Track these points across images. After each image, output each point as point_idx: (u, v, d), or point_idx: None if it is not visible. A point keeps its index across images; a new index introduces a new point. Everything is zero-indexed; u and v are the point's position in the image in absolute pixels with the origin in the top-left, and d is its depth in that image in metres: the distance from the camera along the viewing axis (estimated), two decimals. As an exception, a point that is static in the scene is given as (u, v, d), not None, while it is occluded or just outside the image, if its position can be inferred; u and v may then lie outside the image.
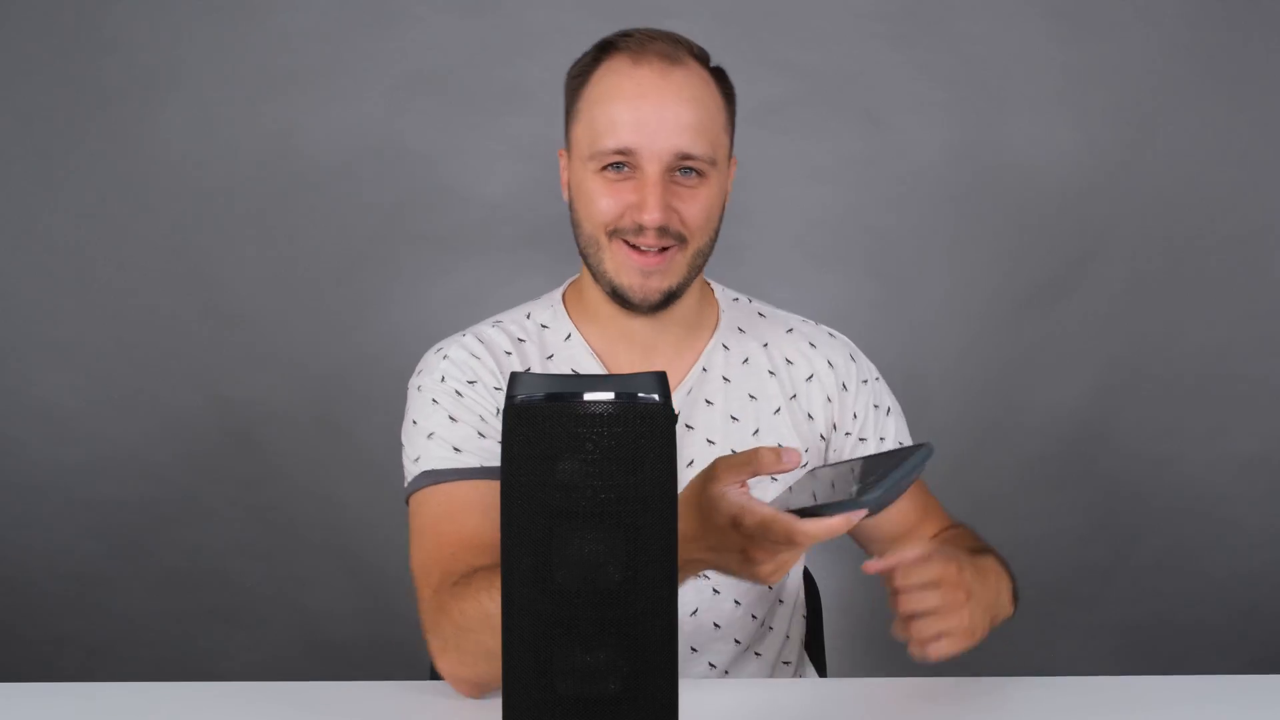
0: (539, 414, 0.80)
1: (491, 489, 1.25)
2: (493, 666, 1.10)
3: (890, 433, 1.45)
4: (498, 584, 1.07)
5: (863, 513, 0.90)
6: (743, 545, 0.94)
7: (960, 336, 2.59)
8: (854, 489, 0.91)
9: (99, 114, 2.50)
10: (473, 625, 1.11)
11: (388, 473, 2.57)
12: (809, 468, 1.36)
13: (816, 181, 2.54)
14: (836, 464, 1.04)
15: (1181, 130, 2.54)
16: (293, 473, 2.55)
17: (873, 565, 1.10)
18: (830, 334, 1.47)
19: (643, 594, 0.81)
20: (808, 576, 1.57)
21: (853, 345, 1.47)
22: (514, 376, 0.82)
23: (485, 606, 1.09)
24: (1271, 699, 1.21)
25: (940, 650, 1.11)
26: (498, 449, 1.26)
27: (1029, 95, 2.53)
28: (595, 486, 0.79)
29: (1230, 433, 2.59)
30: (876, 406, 1.45)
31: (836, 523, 0.90)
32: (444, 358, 1.36)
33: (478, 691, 1.17)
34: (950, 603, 1.10)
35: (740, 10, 2.51)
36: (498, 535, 1.21)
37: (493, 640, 1.07)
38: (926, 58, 2.52)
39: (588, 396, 0.80)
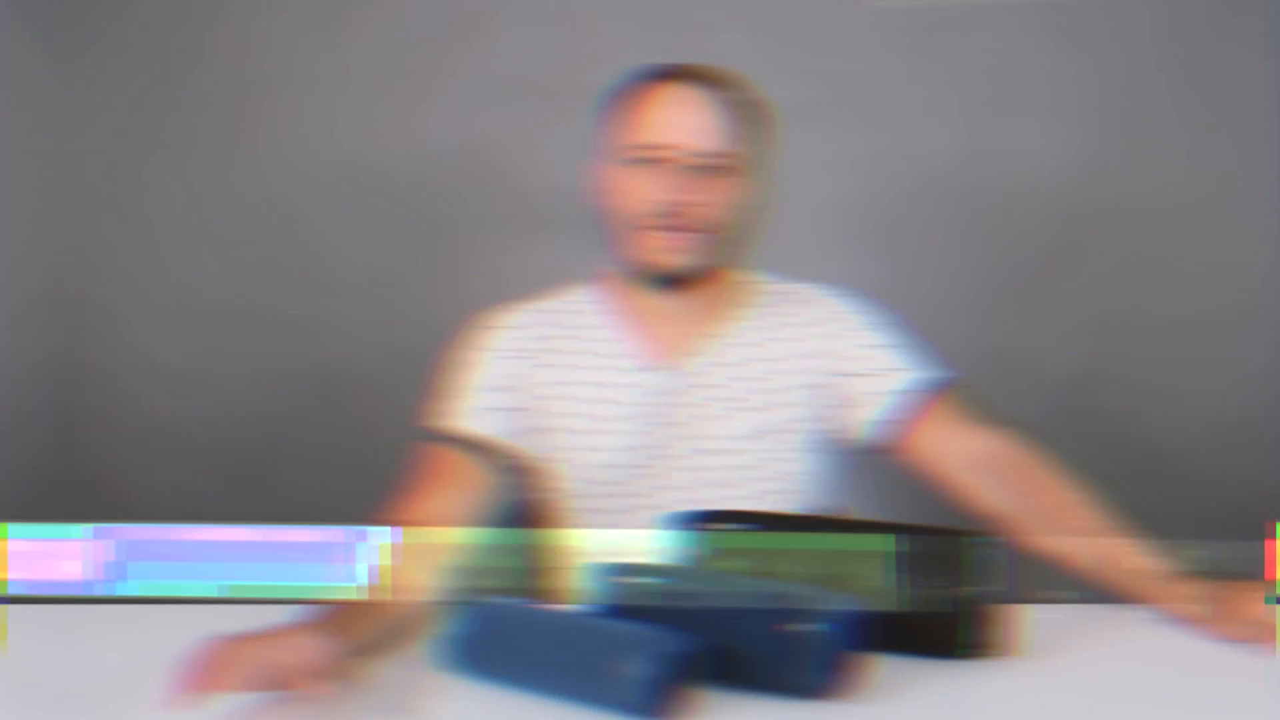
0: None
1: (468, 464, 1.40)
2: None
3: (899, 362, 1.45)
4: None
5: None
6: None
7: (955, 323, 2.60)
8: None
9: (219, 107, 2.73)
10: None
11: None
12: None
13: (822, 179, 2.60)
14: None
15: (1167, 131, 2.61)
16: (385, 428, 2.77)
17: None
18: (839, 294, 1.50)
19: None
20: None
21: (858, 301, 1.50)
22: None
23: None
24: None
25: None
26: (506, 422, 1.42)
27: (1029, 95, 2.60)
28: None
29: (1198, 394, 2.71)
30: (875, 345, 1.45)
31: None
32: (498, 326, 1.49)
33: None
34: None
35: (771, 21, 2.62)
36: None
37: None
38: (935, 62, 2.60)
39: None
